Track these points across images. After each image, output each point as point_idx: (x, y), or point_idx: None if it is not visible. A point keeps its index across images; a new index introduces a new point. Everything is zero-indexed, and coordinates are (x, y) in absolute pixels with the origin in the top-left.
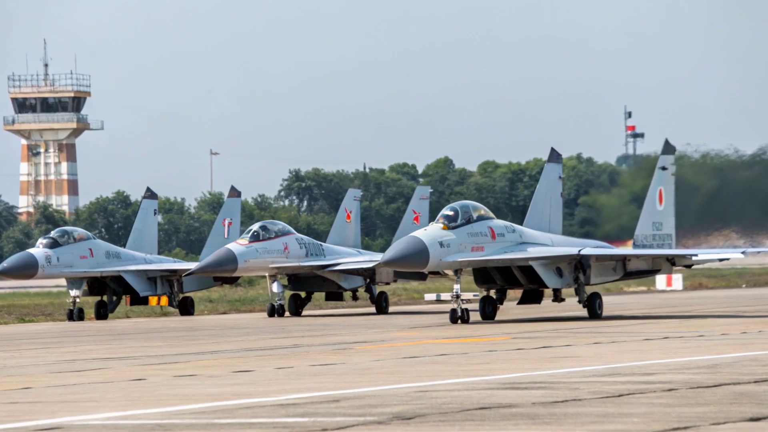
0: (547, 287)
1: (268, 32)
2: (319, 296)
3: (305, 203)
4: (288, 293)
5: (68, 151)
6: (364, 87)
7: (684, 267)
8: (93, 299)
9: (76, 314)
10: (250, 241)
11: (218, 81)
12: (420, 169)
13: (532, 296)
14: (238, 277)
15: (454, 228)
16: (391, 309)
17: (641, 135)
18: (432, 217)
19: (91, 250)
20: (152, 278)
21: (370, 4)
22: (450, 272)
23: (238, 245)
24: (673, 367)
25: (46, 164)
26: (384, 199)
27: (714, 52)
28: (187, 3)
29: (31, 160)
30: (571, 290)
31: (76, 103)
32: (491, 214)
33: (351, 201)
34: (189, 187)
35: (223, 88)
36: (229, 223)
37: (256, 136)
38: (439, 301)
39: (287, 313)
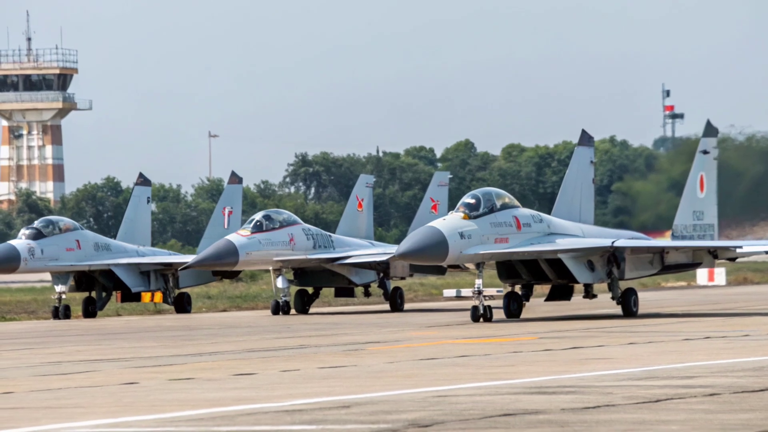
0: (577, 282)
1: (271, 2)
2: (327, 292)
3: (313, 190)
4: (294, 289)
5: (53, 133)
6: (377, 62)
7: (727, 260)
8: (80, 295)
9: (62, 312)
10: (252, 232)
11: (217, 56)
12: (438, 153)
13: (561, 292)
14: (239, 272)
15: (475, 217)
16: (406, 306)
17: (680, 116)
18: (451, 206)
19: (78, 241)
20: (145, 272)
21: None
22: (471, 266)
23: (239, 236)
24: (715, 369)
25: (29, 147)
26: (399, 185)
27: (760, 25)
28: None
29: (13, 143)
30: (604, 286)
31: (62, 80)
32: (516, 203)
33: (363, 188)
34: (185, 173)
35: (223, 64)
36: (230, 212)
37: (258, 117)
38: (459, 297)
39: (293, 311)
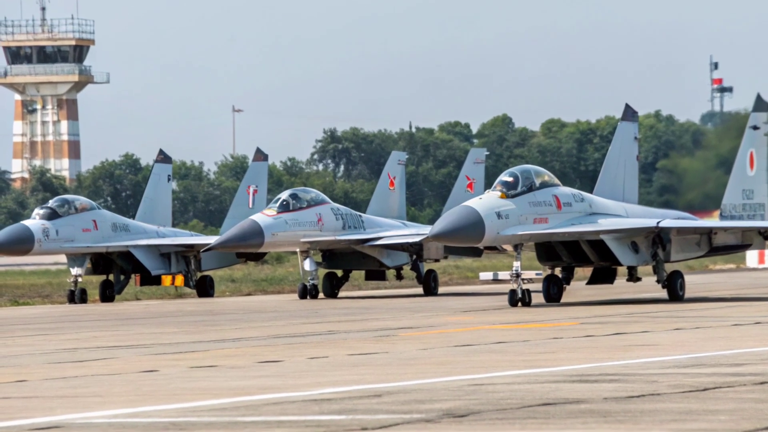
0: (620, 265)
1: None
2: (357, 275)
3: (342, 168)
4: (322, 272)
5: (69, 107)
6: (410, 33)
7: None
8: (97, 278)
9: (78, 296)
10: (278, 212)
11: (241, 27)
12: (474, 129)
13: (604, 275)
14: (264, 253)
15: (513, 196)
16: (441, 290)
17: (729, 89)
18: (488, 184)
19: (95, 221)
20: (166, 254)
21: None
22: (509, 247)
23: (264, 216)
24: (765, 356)
25: (44, 123)
26: (433, 163)
27: None
28: None
29: (26, 118)
30: (649, 268)
31: (78, 52)
32: (556, 181)
33: (395, 165)
34: (208, 150)
35: (247, 35)
36: (255, 191)
37: (284, 91)
38: (496, 280)
39: (321, 295)
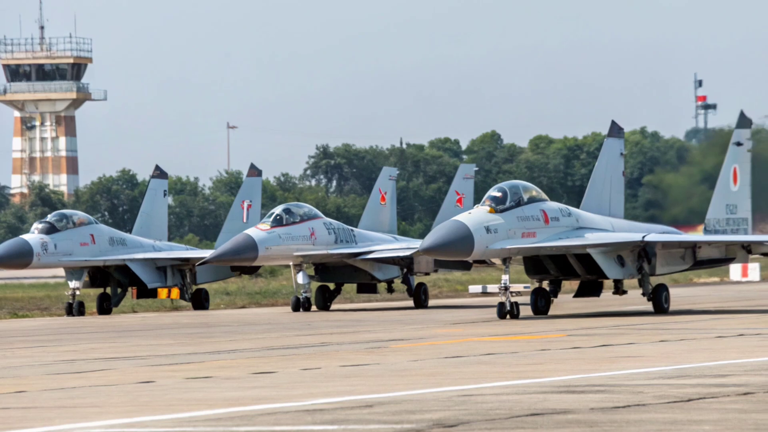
0: (607, 278)
1: None
2: (349, 288)
3: (334, 183)
4: (315, 285)
5: (67, 124)
6: (401, 50)
7: (762, 255)
8: (95, 291)
9: (75, 308)
10: (272, 226)
11: (236, 44)
12: (464, 145)
13: (590, 288)
14: (258, 267)
15: (502, 211)
16: (431, 302)
17: (713, 106)
18: (477, 199)
19: (92, 236)
20: (162, 268)
21: None
22: (497, 261)
23: (258, 231)
24: (749, 368)
25: (42, 139)
26: (423, 178)
27: None
28: None
29: (25, 134)
30: (634, 281)
31: (76, 70)
32: (544, 196)
33: (386, 181)
34: (203, 165)
35: (242, 52)
36: (249, 206)
37: (278, 107)
38: (485, 293)
39: (314, 307)
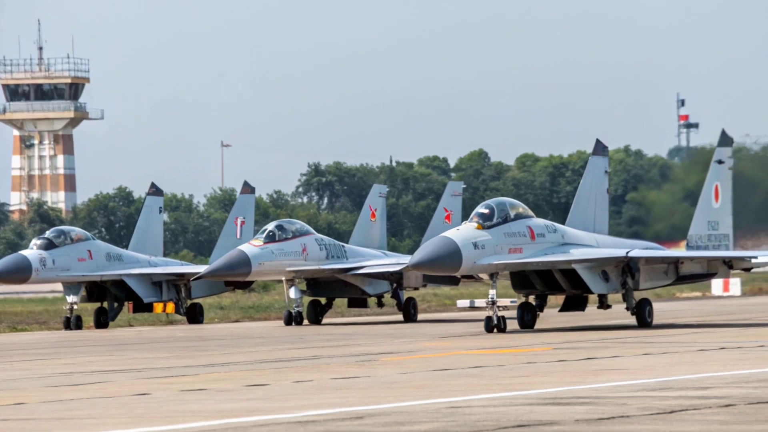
0: (591, 293)
1: (284, 9)
2: (340, 302)
3: (326, 200)
4: (307, 299)
5: (65, 142)
6: (390, 71)
7: (742, 270)
8: (92, 306)
9: (73, 322)
10: (265, 242)
11: (229, 64)
12: (452, 163)
13: (576, 303)
14: (251, 282)
15: (489, 227)
16: (420, 316)
17: (695, 125)
18: (465, 216)
19: (90, 251)
20: (157, 283)
21: None
22: (485, 276)
23: (251, 246)
24: (730, 380)
25: (41, 157)
26: (412, 195)
27: None
28: None
29: (24, 152)
30: (619, 296)
31: (74, 90)
32: (530, 212)
33: (376, 198)
34: (198, 183)
35: (235, 73)
36: (242, 222)
37: (271, 126)
38: (472, 307)
39: (306, 321)
